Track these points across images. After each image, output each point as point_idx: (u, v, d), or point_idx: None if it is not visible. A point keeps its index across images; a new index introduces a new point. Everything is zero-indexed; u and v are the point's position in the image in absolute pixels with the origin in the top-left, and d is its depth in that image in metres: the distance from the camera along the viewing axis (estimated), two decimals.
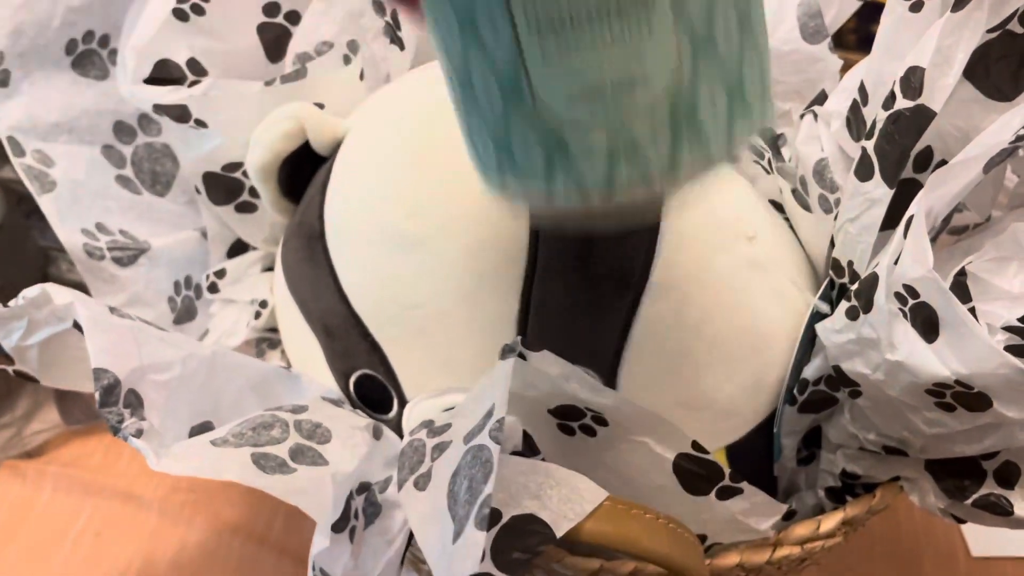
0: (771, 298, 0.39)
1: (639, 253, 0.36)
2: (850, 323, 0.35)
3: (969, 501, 0.36)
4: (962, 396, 0.32)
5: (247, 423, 0.34)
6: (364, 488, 0.34)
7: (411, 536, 0.32)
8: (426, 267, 0.37)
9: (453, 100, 0.27)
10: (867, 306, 0.34)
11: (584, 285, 0.36)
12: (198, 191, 0.47)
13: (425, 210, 0.37)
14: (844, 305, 0.36)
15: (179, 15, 0.45)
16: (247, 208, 0.48)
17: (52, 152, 0.48)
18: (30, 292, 0.35)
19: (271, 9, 0.47)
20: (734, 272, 0.38)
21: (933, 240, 0.35)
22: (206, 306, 0.49)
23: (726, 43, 0.24)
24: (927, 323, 0.32)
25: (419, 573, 0.40)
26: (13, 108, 0.47)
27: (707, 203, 0.38)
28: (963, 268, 0.34)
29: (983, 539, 0.53)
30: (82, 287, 0.47)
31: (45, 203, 0.47)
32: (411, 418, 0.38)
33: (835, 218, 0.39)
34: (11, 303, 0.35)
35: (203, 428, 0.35)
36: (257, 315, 0.46)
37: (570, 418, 0.34)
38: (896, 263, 0.32)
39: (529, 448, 0.33)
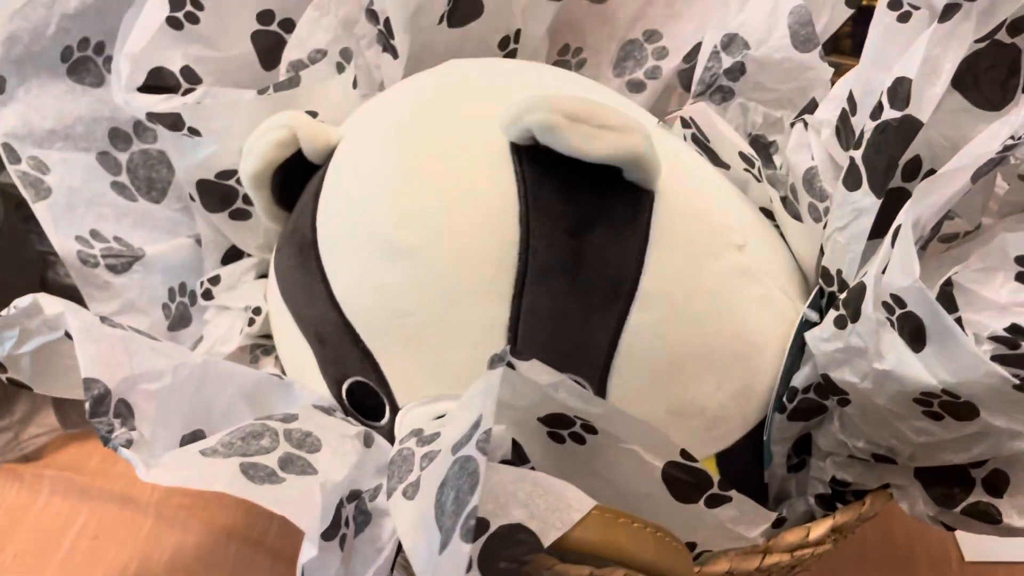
0: (761, 306, 0.39)
1: (629, 261, 0.36)
2: (838, 332, 0.35)
3: (958, 509, 0.36)
4: (949, 405, 0.32)
5: (237, 432, 0.34)
6: (354, 496, 0.34)
7: (401, 545, 0.33)
8: (417, 275, 0.37)
9: None
10: (855, 315, 0.34)
11: (574, 293, 0.36)
12: (192, 198, 0.47)
13: (417, 218, 0.37)
14: (832, 314, 0.36)
15: (173, 23, 0.45)
16: (241, 215, 0.48)
17: (47, 159, 0.48)
18: (21, 302, 0.35)
19: (265, 17, 0.47)
20: (724, 280, 0.38)
21: (922, 249, 0.35)
22: (200, 313, 0.49)
23: None
24: (914, 333, 0.32)
25: None
26: (8, 115, 0.48)
27: (697, 211, 0.39)
28: (949, 278, 0.34)
29: (976, 544, 0.53)
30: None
31: (40, 210, 0.47)
32: (403, 425, 0.38)
33: (824, 227, 0.39)
34: (2, 313, 0.36)
35: (195, 437, 0.35)
36: (251, 322, 0.46)
37: (560, 426, 0.34)
38: (884, 273, 0.32)
39: (518, 456, 0.33)
